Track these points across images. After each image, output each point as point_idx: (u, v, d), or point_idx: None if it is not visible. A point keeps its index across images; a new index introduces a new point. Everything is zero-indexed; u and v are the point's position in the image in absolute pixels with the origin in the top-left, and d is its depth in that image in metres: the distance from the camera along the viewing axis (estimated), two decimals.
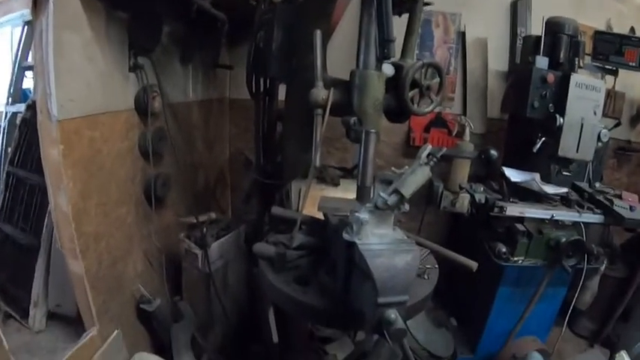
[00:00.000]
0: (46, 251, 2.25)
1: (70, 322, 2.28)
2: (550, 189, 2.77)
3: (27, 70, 3.30)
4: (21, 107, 2.69)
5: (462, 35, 3.48)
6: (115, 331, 2.14)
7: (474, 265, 1.90)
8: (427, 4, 1.97)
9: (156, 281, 2.59)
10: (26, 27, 3.18)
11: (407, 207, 1.41)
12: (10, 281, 2.36)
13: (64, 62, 1.73)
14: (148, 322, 2.43)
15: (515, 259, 2.72)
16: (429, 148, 1.41)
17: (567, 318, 2.98)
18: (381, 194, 1.37)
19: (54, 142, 1.73)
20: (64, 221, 1.85)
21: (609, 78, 3.18)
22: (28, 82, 3.33)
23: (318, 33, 1.54)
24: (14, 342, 2.16)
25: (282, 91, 2.33)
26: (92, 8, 1.87)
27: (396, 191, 1.36)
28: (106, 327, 2.09)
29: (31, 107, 2.28)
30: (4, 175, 2.38)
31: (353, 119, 1.45)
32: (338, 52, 2.55)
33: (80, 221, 1.89)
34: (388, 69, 1.58)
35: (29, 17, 2.25)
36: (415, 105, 1.67)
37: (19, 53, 3.31)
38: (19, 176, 2.35)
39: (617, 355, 3.02)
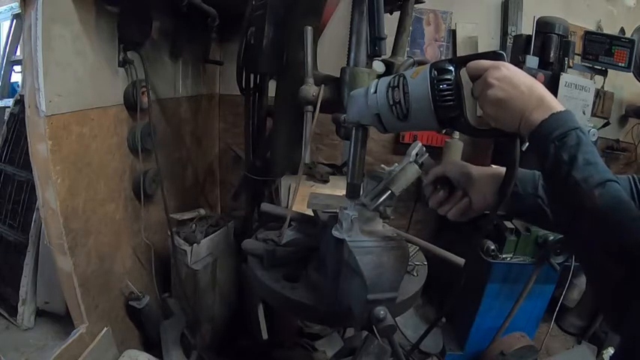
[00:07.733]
0: (35, 248, 2.23)
1: (59, 320, 2.27)
2: None
3: (15, 64, 3.29)
4: (9, 102, 2.68)
5: (452, 33, 3.49)
6: (105, 328, 2.13)
7: (461, 261, 1.92)
8: (418, 2, 1.98)
9: (145, 278, 2.58)
10: (15, 20, 3.16)
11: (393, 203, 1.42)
12: None
13: (53, 56, 1.71)
14: (137, 318, 2.42)
15: (504, 256, 2.73)
16: (418, 145, 1.42)
17: (555, 315, 3.01)
18: (371, 191, 1.38)
19: (42, 138, 1.72)
20: (53, 218, 1.83)
21: (598, 78, 3.19)
22: (16, 77, 3.31)
23: (309, 29, 1.54)
24: (2, 340, 2.16)
25: (272, 87, 2.32)
26: (82, 2, 1.85)
27: (386, 188, 1.36)
28: (95, 324, 2.08)
29: (19, 102, 2.26)
30: None
31: (343, 116, 1.45)
32: (329, 49, 2.55)
33: (68, 217, 1.87)
34: (379, 66, 1.58)
35: (18, 10, 2.24)
36: None
37: (8, 47, 3.29)
38: (7, 172, 2.33)
39: (604, 351, 3.06)
